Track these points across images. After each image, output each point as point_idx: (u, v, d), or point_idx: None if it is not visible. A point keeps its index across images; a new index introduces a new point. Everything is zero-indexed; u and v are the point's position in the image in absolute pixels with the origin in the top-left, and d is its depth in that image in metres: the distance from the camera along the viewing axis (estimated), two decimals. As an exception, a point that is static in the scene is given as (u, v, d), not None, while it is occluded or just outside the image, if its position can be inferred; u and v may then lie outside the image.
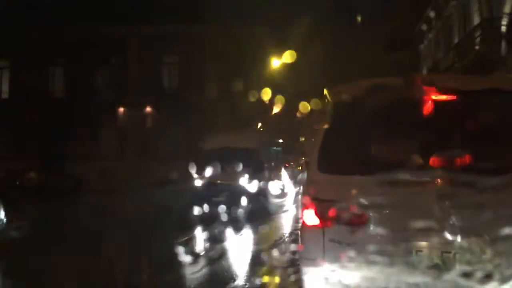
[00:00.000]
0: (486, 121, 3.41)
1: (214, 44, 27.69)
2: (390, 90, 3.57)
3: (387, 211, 3.23)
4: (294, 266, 6.15)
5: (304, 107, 28.08)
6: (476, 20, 17.98)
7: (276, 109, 31.93)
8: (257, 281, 6.26)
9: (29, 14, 25.03)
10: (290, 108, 30.70)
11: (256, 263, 7.32)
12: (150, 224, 11.10)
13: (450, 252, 3.12)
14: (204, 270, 7.00)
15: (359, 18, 28.22)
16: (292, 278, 5.74)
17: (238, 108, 29.76)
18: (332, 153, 3.62)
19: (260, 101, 28.53)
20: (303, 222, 3.56)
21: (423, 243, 3.15)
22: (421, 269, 3.12)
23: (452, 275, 3.04)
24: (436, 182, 3.18)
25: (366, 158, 3.60)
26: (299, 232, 3.69)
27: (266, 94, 27.59)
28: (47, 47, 26.11)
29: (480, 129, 3.37)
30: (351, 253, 3.22)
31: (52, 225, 11.56)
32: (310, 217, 3.46)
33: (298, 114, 33.00)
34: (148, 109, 27.68)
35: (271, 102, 30.29)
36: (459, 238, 3.08)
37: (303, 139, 38.21)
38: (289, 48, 25.36)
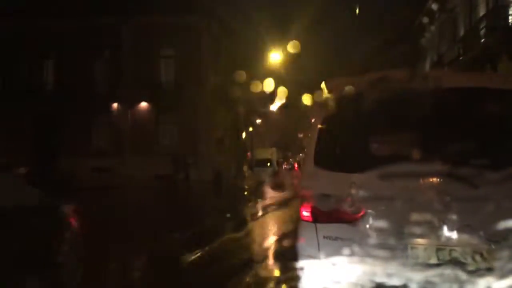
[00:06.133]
0: (486, 117, 3.43)
1: (212, 37, 27.21)
2: (393, 84, 3.57)
3: (385, 207, 3.24)
4: (293, 260, 5.89)
5: (307, 100, 27.60)
6: (482, 11, 17.58)
7: (278, 102, 31.55)
8: (256, 275, 6.14)
9: (18, 5, 24.52)
10: (292, 101, 30.35)
11: (256, 257, 7.25)
12: (142, 222, 10.86)
13: (445, 249, 3.14)
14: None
15: (357, 10, 28.04)
16: (290, 273, 5.46)
17: (238, 102, 29.30)
18: (330, 148, 3.64)
19: (261, 93, 28.11)
20: (301, 216, 3.57)
21: (419, 239, 3.17)
22: (417, 264, 3.15)
23: (448, 271, 3.08)
24: (435, 178, 3.22)
25: (365, 153, 3.61)
26: (298, 227, 3.65)
27: (268, 85, 27.12)
28: (38, 39, 25.58)
29: (479, 125, 3.41)
30: (347, 249, 3.25)
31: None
32: (306, 212, 3.50)
33: (302, 108, 32.64)
34: (144, 103, 27.18)
35: (273, 94, 29.90)
36: (456, 234, 3.12)
37: (301, 135, 37.99)
38: (290, 40, 25.06)
